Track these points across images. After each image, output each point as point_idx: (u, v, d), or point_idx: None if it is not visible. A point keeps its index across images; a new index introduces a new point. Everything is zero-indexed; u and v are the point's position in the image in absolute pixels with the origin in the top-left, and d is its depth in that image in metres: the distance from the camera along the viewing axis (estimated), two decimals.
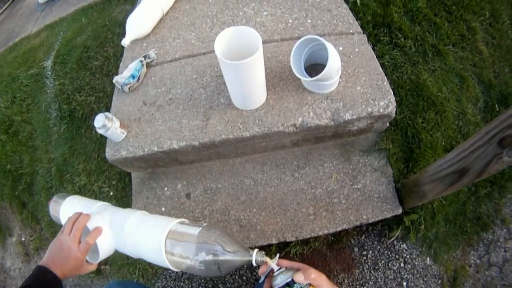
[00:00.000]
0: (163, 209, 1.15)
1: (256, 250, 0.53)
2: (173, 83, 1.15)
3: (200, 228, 0.55)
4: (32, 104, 1.72)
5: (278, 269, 0.52)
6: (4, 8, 2.84)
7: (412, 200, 0.98)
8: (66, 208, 0.73)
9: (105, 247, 0.60)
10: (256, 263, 0.53)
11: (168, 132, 1.04)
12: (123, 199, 1.29)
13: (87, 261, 0.60)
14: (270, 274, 0.54)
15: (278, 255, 0.54)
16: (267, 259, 0.53)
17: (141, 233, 0.59)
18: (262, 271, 0.53)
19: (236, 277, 1.16)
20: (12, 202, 1.57)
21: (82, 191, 1.37)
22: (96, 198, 1.34)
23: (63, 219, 0.72)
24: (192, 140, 1.01)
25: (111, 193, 1.32)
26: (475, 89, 1.24)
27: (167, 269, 1.22)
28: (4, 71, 2.00)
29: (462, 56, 1.29)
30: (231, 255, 0.52)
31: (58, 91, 1.59)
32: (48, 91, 1.66)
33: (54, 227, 1.42)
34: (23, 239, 1.54)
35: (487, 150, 0.61)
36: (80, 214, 0.60)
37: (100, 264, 0.83)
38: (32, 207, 1.52)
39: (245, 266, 1.15)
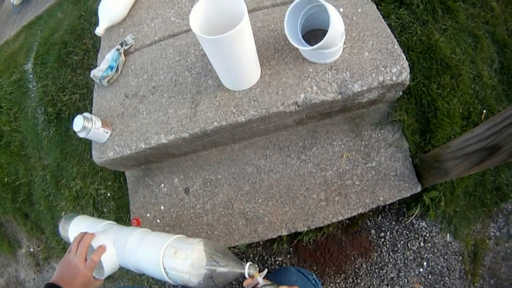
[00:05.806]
0: (162, 207, 1.07)
1: (249, 263, 0.55)
2: (155, 68, 1.03)
3: (196, 243, 0.58)
4: (19, 111, 1.64)
5: (264, 284, 0.54)
6: None
7: (432, 177, 0.89)
8: (74, 228, 0.77)
9: (109, 264, 0.64)
10: (248, 276, 0.55)
11: (155, 126, 0.94)
12: (121, 199, 1.23)
13: (94, 277, 0.62)
14: (255, 287, 0.55)
15: (266, 270, 0.59)
16: (256, 273, 0.55)
17: (141, 250, 0.63)
18: (247, 283, 0.55)
19: None
20: (15, 214, 1.54)
21: (80, 196, 1.32)
22: (94, 201, 1.30)
23: (71, 239, 0.76)
24: (181, 132, 0.90)
25: (108, 194, 1.26)
26: (489, 49, 1.16)
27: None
28: None
29: (473, 13, 1.20)
30: (225, 269, 0.54)
31: (42, 94, 1.50)
32: (32, 95, 1.58)
33: (58, 236, 1.37)
34: (31, 249, 1.52)
35: None
36: (84, 234, 0.64)
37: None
38: (34, 217, 1.49)
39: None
